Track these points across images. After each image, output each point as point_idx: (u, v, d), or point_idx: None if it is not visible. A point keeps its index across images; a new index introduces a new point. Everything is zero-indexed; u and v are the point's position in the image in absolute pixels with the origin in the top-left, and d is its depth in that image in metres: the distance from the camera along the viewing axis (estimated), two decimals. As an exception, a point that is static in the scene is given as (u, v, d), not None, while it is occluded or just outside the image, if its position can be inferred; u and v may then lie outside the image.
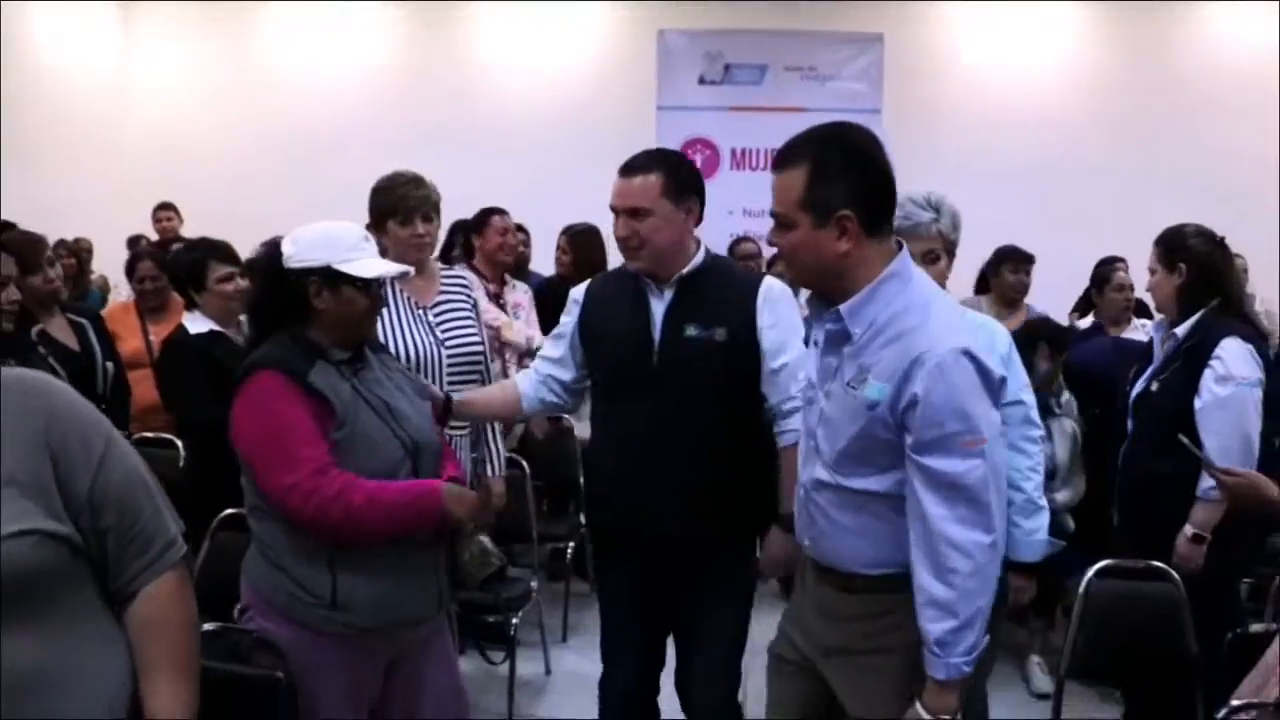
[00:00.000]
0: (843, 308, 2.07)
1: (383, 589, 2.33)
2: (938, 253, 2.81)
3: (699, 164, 9.28)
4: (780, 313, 2.81)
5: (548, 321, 4.59)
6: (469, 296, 3.32)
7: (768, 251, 7.07)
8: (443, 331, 3.17)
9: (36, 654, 1.53)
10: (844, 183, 2.02)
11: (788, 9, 9.30)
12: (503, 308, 4.97)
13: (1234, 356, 3.25)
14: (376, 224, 3.14)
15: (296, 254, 2.39)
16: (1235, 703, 2.22)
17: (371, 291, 2.42)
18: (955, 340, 2.02)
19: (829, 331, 2.13)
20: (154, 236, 7.99)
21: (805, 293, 2.29)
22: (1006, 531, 2.06)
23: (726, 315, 2.75)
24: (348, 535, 2.25)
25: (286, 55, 10.23)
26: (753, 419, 2.83)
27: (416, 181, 3.25)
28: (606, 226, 6.01)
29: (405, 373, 2.62)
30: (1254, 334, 3.43)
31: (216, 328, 3.60)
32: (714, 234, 7.45)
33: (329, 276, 2.36)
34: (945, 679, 2.01)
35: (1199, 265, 3.43)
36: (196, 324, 3.60)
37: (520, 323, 5.00)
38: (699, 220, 2.81)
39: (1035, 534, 2.85)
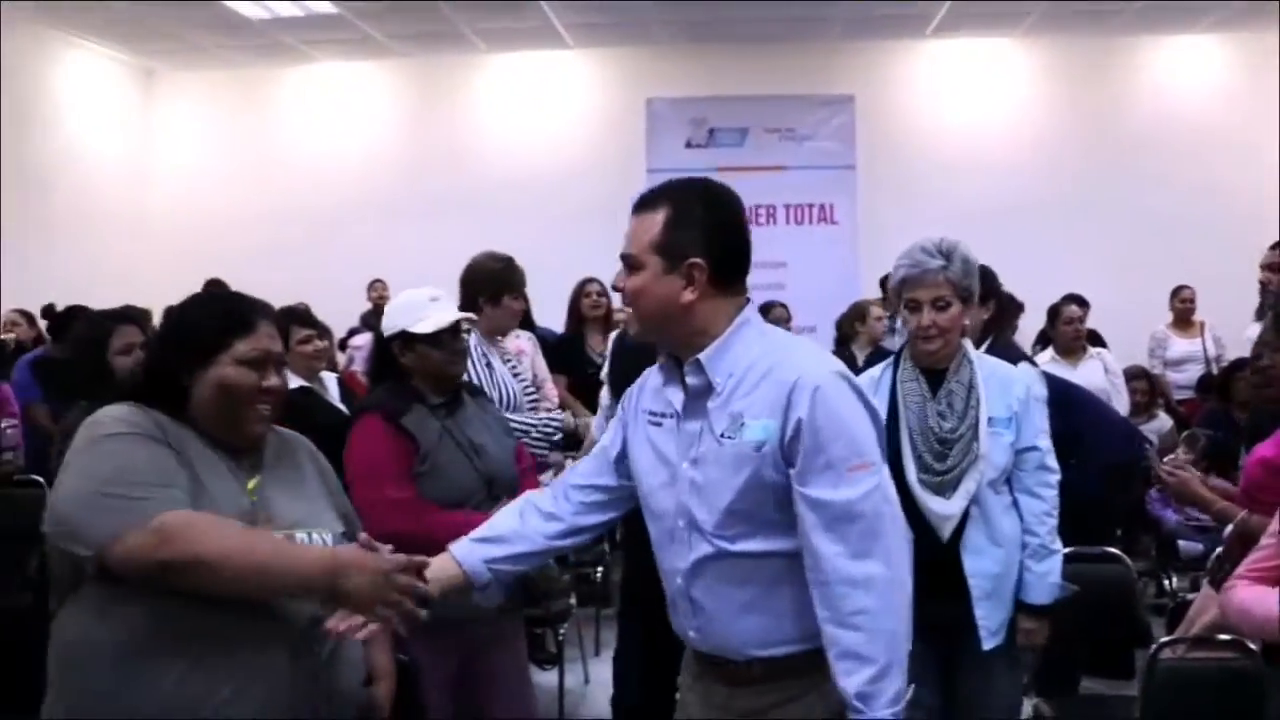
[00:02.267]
0: (701, 357, 1.96)
1: None
2: (947, 300, 2.78)
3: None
4: None
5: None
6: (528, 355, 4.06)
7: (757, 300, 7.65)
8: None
9: None
10: (699, 231, 1.94)
11: (766, 75, 9.85)
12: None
13: None
14: (491, 298, 3.75)
15: (386, 323, 2.97)
16: (1163, 639, 2.81)
17: (442, 344, 2.89)
18: (828, 366, 1.95)
19: (691, 386, 1.99)
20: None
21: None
22: (912, 565, 1.91)
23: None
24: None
25: (295, 133, 10.80)
26: None
27: (508, 260, 3.85)
28: (602, 279, 6.55)
29: (498, 415, 3.13)
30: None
31: (305, 383, 3.98)
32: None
33: (406, 339, 2.91)
34: None
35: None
36: (289, 382, 4.11)
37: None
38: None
39: (1048, 577, 2.81)
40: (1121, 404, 6.13)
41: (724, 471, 1.92)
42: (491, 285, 3.66)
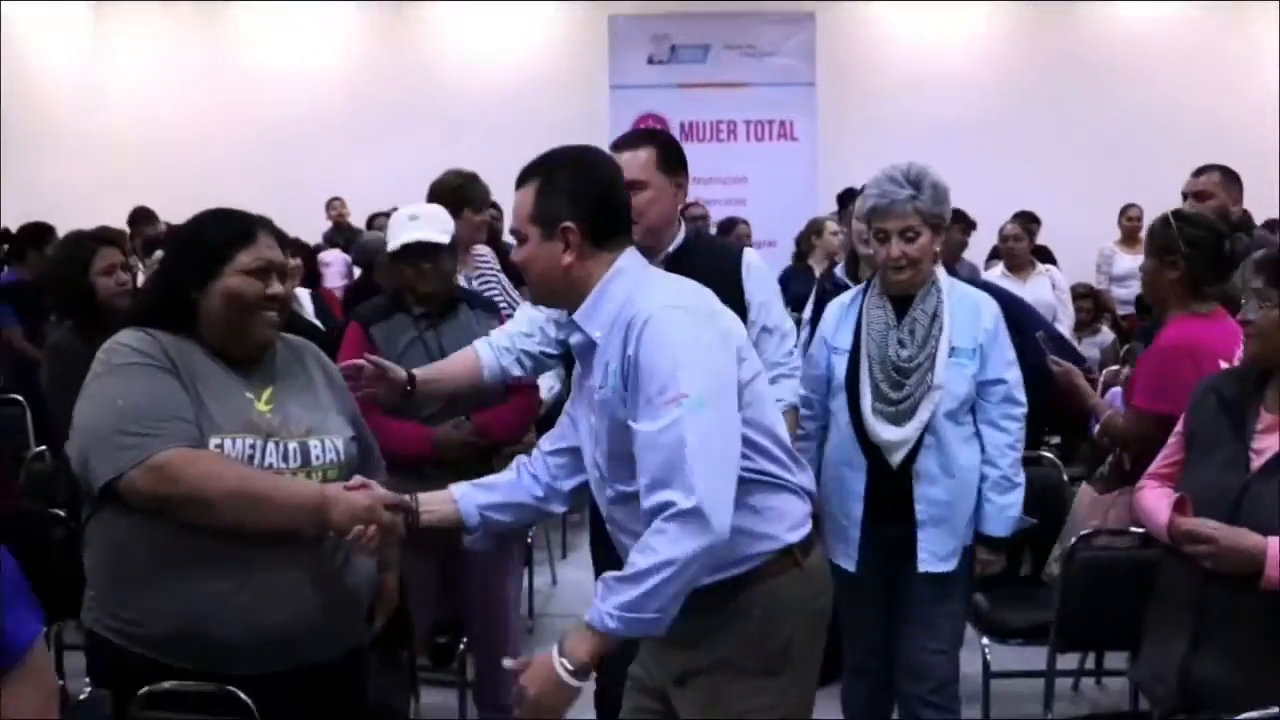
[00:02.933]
0: (575, 315, 2.02)
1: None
2: (916, 230, 2.72)
3: (650, 139, 10.01)
4: (764, 280, 2.87)
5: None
6: (497, 270, 4.10)
7: (717, 215, 7.76)
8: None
9: None
10: (566, 196, 2.00)
11: (727, -8, 9.85)
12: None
13: None
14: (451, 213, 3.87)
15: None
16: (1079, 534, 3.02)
17: (406, 260, 3.04)
18: (666, 299, 1.96)
19: (577, 345, 2.06)
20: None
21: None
22: (730, 500, 1.86)
23: (716, 291, 2.49)
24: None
25: (254, 51, 10.70)
26: None
27: (472, 177, 3.97)
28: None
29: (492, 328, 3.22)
30: None
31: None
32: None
33: (390, 255, 3.12)
34: (592, 624, 1.87)
35: None
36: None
37: None
38: (685, 196, 2.87)
39: (1008, 510, 2.81)
40: (1067, 318, 6.36)
41: (601, 418, 2.00)
42: (451, 200, 3.79)
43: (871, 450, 2.83)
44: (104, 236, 3.75)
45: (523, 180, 2.08)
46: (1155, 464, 2.59)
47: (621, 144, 2.79)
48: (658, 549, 1.82)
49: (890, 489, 2.81)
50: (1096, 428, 3.26)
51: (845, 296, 3.04)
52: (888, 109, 9.83)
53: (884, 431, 2.79)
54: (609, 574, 1.89)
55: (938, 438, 2.77)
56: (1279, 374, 2.37)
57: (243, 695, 2.03)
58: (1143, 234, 7.66)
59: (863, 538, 2.86)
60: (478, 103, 10.16)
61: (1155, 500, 2.48)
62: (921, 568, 2.80)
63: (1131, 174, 9.06)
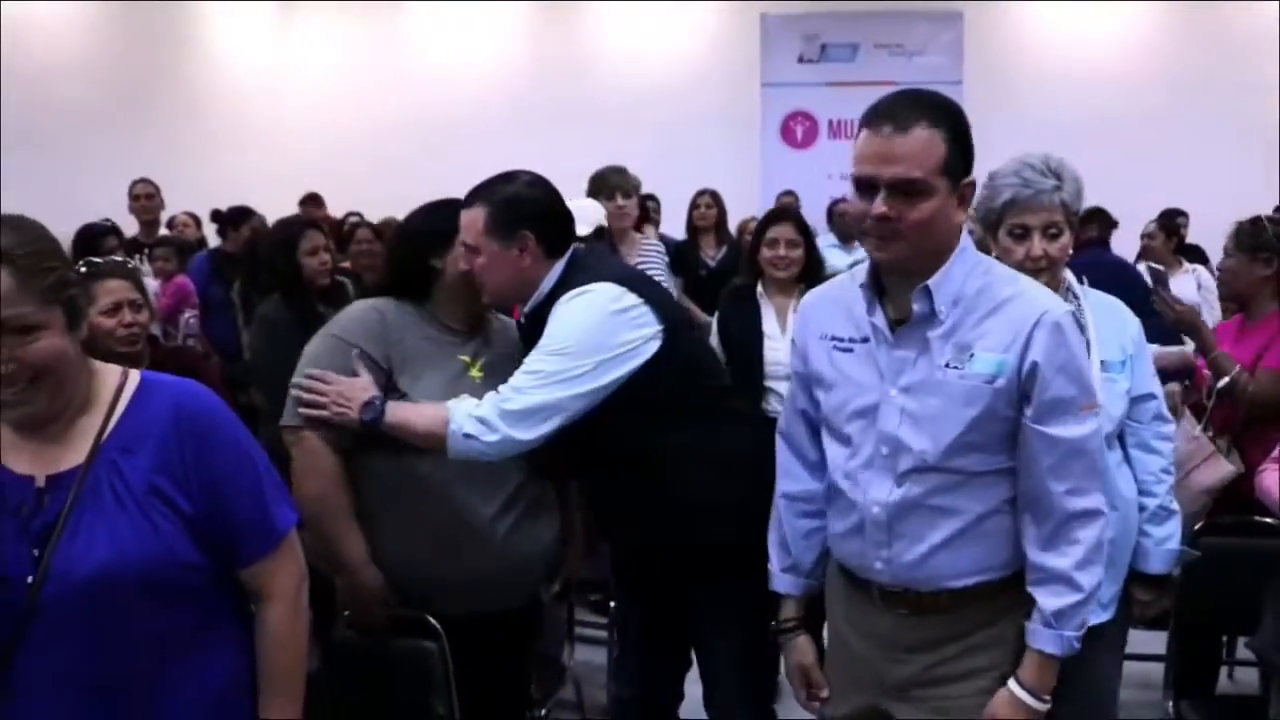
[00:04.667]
0: (930, 283, 1.86)
1: None
2: (1060, 226, 2.40)
3: (798, 136, 10.24)
4: None
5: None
6: (662, 255, 4.47)
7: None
8: None
9: None
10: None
11: (877, -9, 9.95)
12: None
13: None
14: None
15: None
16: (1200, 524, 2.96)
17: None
18: (1064, 304, 1.96)
19: (916, 313, 1.88)
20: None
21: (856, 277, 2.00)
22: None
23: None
24: None
25: (422, 49, 11.18)
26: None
27: (618, 170, 4.38)
28: (726, 192, 6.84)
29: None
30: None
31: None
32: (815, 196, 8.27)
33: None
34: (1056, 653, 1.87)
35: None
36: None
37: None
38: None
39: (1166, 542, 2.49)
40: (1212, 319, 6.30)
41: (951, 403, 1.87)
42: (592, 190, 4.19)
43: None
44: (310, 222, 4.23)
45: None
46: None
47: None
48: (1094, 561, 1.89)
49: None
50: (1218, 381, 3.24)
51: None
52: (1034, 108, 9.71)
53: None
54: (1060, 601, 1.88)
55: None
56: None
57: (433, 621, 2.38)
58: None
59: None
60: (633, 98, 10.34)
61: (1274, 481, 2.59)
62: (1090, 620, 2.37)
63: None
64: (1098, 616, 2.32)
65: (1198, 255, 7.34)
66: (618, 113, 10.22)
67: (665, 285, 4.24)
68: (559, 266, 2.39)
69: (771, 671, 2.55)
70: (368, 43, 11.36)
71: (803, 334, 2.10)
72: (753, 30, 10.03)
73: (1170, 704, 3.01)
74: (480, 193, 2.36)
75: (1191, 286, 6.29)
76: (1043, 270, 2.38)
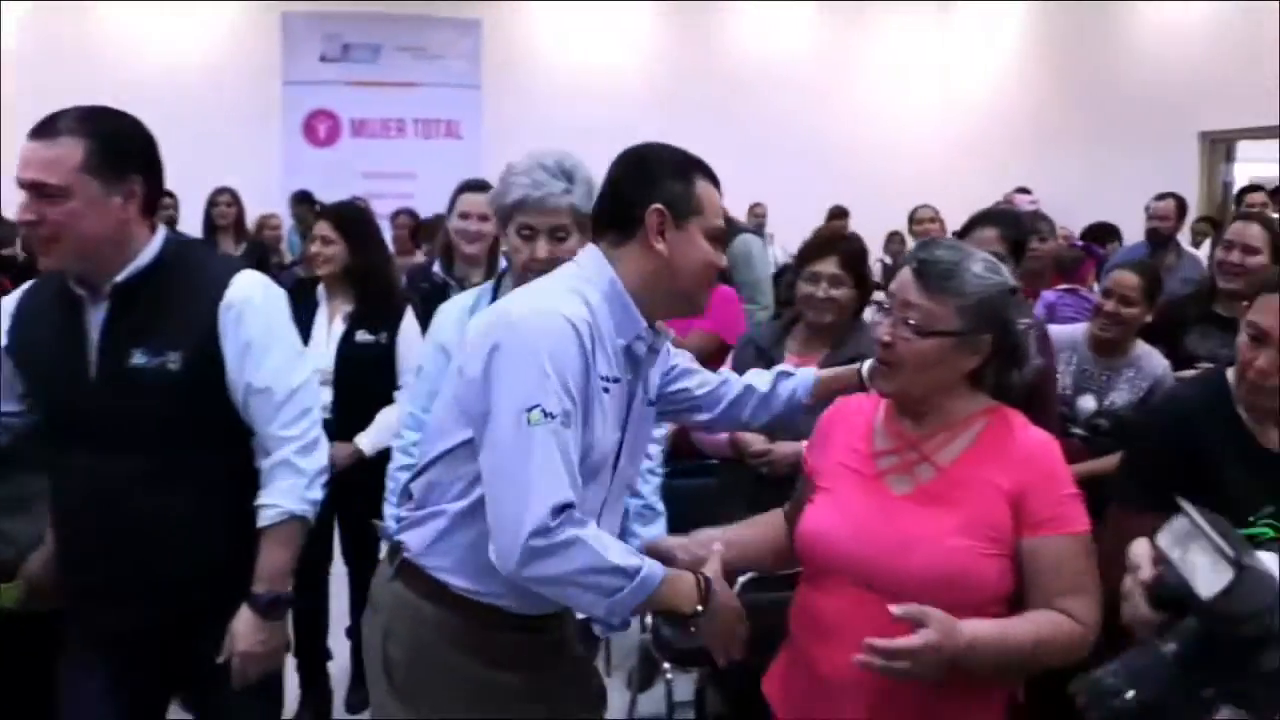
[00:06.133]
0: (658, 323, 1.87)
1: None
2: (568, 229, 2.28)
3: (321, 134, 10.23)
4: (254, 324, 2.03)
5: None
6: None
7: (385, 210, 8.10)
8: None
9: None
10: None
11: (397, -7, 10.20)
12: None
13: None
14: None
15: None
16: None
17: None
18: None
19: (643, 354, 1.83)
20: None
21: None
22: None
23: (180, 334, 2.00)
24: None
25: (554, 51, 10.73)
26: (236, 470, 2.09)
27: None
28: (244, 189, 6.82)
29: None
30: None
31: None
32: (337, 194, 8.43)
33: None
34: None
35: None
36: None
37: None
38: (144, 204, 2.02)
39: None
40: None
41: (649, 427, 2.00)
42: None
43: None
44: None
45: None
46: None
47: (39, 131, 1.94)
48: None
49: None
50: None
51: (466, 298, 2.71)
52: (552, 110, 10.22)
53: None
54: None
55: None
56: None
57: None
58: (768, 229, 8.96)
59: None
60: (153, 95, 9.49)
61: None
62: None
63: (756, 177, 10.14)
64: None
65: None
66: (130, 107, 9.64)
67: None
68: (159, 238, 2.01)
69: None
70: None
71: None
72: (274, 28, 10.00)
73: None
74: (72, 122, 1.89)
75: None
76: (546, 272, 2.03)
